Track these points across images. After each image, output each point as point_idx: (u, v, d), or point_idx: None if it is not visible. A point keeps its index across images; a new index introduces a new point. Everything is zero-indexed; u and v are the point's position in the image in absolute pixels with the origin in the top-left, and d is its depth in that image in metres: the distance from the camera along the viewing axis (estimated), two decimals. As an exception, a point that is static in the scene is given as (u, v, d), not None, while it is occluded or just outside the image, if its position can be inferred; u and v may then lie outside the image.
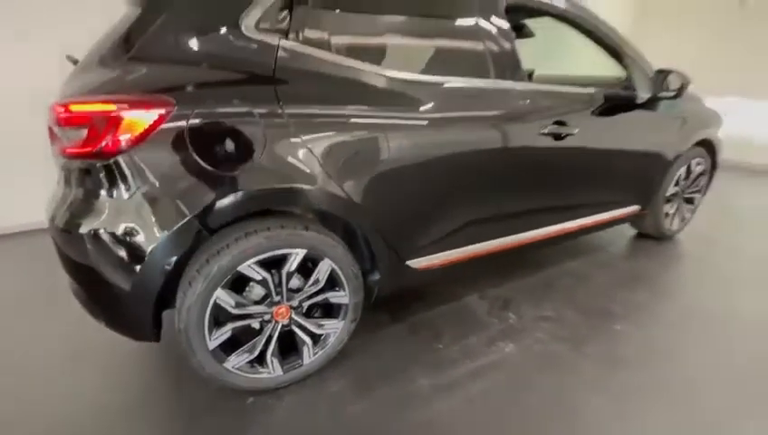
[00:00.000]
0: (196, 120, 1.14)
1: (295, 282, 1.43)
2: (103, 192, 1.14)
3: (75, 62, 1.46)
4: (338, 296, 1.50)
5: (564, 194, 2.10)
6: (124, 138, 1.08)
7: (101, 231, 1.13)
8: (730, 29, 4.85)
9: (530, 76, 2.58)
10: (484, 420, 1.39)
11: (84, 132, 1.09)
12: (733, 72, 4.85)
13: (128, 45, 1.19)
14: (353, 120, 1.38)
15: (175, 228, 1.15)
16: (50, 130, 1.21)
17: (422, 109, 1.50)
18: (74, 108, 1.09)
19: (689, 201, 2.80)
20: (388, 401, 1.46)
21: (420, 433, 1.34)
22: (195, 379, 1.51)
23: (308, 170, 1.30)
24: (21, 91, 2.67)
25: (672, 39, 5.37)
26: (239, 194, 1.20)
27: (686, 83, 2.10)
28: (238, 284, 1.32)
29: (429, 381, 1.55)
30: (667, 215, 2.68)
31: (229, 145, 1.19)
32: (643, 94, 2.15)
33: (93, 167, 1.13)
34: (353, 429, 1.35)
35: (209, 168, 1.16)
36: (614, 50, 2.12)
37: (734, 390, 1.53)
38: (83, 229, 1.15)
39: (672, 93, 2.10)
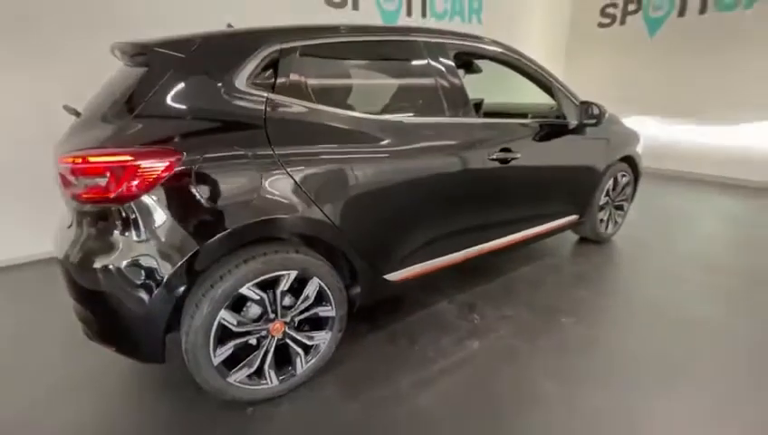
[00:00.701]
0: (202, 165, 1.32)
1: (287, 299, 1.61)
2: (119, 231, 1.29)
3: (76, 112, 1.59)
4: (325, 310, 1.70)
5: (514, 208, 2.44)
6: (139, 184, 1.25)
7: (118, 266, 1.27)
8: (642, 59, 5.63)
9: (479, 105, 2.97)
10: (459, 408, 1.62)
11: (100, 180, 1.25)
12: (646, 94, 5.61)
13: (133, 103, 1.36)
14: (332, 155, 1.61)
15: (184, 260, 1.31)
16: (62, 176, 1.35)
17: (389, 143, 1.76)
18: (93, 159, 1.25)
19: (619, 208, 3.26)
20: (375, 400, 1.66)
21: (407, 425, 1.55)
22: (195, 395, 1.64)
23: (297, 201, 1.51)
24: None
25: (596, 69, 6.14)
26: (241, 226, 1.39)
27: (603, 112, 2.52)
28: (237, 304, 1.49)
29: (410, 380, 1.77)
30: (601, 221, 3.11)
31: (230, 184, 1.38)
32: (572, 121, 2.56)
33: (109, 210, 1.28)
34: (348, 428, 1.54)
35: (213, 205, 1.35)
36: (546, 86, 2.52)
37: (663, 371, 1.86)
38: (100, 265, 1.28)
39: (594, 121, 2.52)
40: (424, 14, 4.70)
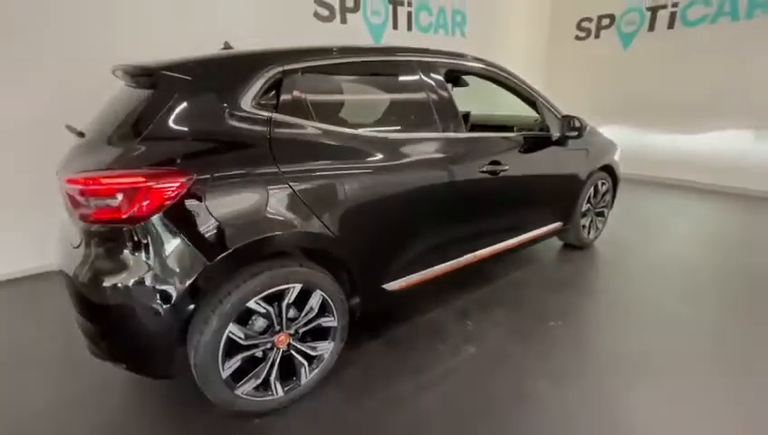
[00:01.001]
0: (211, 184, 1.37)
1: (291, 312, 1.66)
2: (130, 250, 1.32)
3: (79, 132, 1.62)
4: (328, 321, 1.76)
5: (504, 217, 2.55)
6: (151, 205, 1.29)
7: (131, 284, 1.30)
8: (616, 70, 5.92)
9: (466, 117, 3.09)
10: (459, 409, 1.70)
11: (112, 201, 1.28)
12: (620, 103, 5.90)
13: (142, 125, 1.39)
14: (333, 171, 1.68)
15: (195, 277, 1.35)
16: (71, 197, 1.37)
17: (387, 159, 1.84)
18: (105, 180, 1.28)
19: (600, 214, 3.42)
20: (380, 405, 1.72)
21: (411, 428, 1.62)
22: (200, 409, 1.67)
23: (302, 216, 1.57)
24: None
25: (574, 79, 6.41)
26: (250, 242, 1.44)
27: (584, 125, 2.67)
28: (243, 317, 1.54)
29: (411, 385, 1.84)
30: (584, 227, 3.26)
31: (239, 202, 1.43)
32: (555, 133, 2.70)
33: (120, 230, 1.31)
34: (356, 432, 1.59)
35: (223, 222, 1.40)
36: (530, 100, 2.66)
37: (646, 368, 1.99)
38: (113, 283, 1.31)
39: (575, 133, 2.67)
40: (409, 28, 4.84)
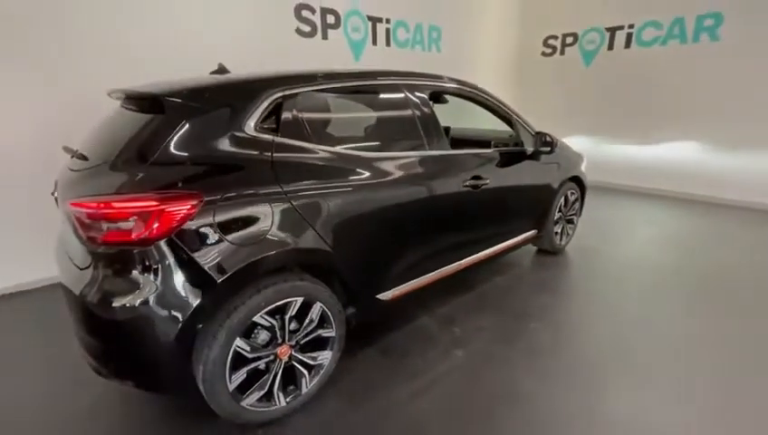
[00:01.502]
0: (220, 205, 1.44)
1: (292, 324, 1.74)
2: (141, 271, 1.36)
3: (81, 155, 1.64)
4: (327, 332, 1.84)
5: (485, 227, 2.72)
6: (163, 227, 1.34)
7: (141, 304, 1.35)
8: (580, 85, 6.34)
9: (447, 132, 3.26)
10: (451, 410, 1.82)
11: (124, 224, 1.33)
12: (584, 116, 6.31)
13: (150, 150, 1.44)
14: (331, 189, 1.77)
15: (206, 295, 1.41)
16: (79, 220, 1.40)
17: (380, 176, 1.96)
18: (117, 204, 1.33)
19: (570, 221, 3.68)
20: (377, 409, 1.82)
21: (407, 428, 1.72)
22: (200, 421, 1.71)
23: (304, 232, 1.66)
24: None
25: (543, 93, 6.80)
26: (257, 259, 1.51)
27: (555, 141, 2.90)
28: (247, 331, 1.60)
29: (405, 389, 1.94)
30: (556, 234, 3.50)
31: (246, 221, 1.50)
32: (529, 148, 2.91)
33: (132, 252, 1.35)
34: (354, 436, 1.68)
35: (232, 241, 1.47)
36: (506, 119, 2.86)
37: (621, 364, 2.18)
38: (122, 303, 1.34)
39: (548, 148, 2.89)
40: (388, 44, 5.01)
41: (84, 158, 1.62)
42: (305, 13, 4.17)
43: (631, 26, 5.61)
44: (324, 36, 4.37)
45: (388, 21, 4.93)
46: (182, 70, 3.25)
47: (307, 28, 4.22)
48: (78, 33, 2.93)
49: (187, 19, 3.41)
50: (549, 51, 6.62)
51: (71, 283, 1.49)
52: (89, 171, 1.54)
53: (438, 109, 2.45)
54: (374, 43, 4.87)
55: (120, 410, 1.85)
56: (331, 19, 4.38)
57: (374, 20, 4.80)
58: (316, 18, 4.26)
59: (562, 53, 6.46)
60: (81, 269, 1.46)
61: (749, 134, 4.92)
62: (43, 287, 3.02)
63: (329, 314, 1.81)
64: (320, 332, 1.82)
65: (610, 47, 5.88)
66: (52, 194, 1.84)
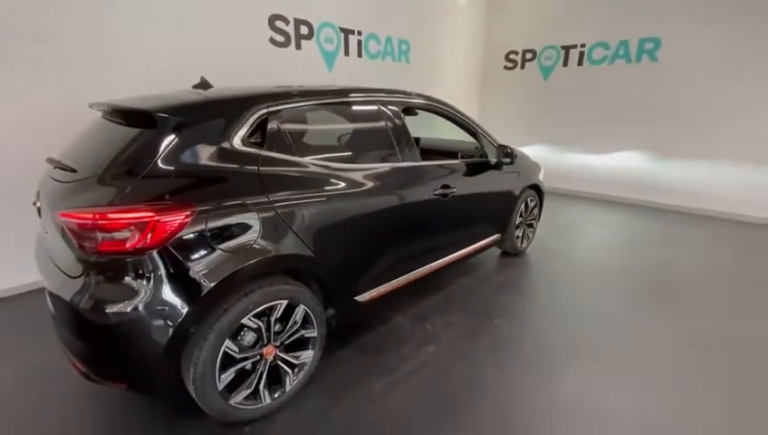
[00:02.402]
0: (211, 215, 1.54)
1: (277, 326, 1.85)
2: (135, 278, 1.43)
3: (61, 165, 1.68)
4: (309, 332, 1.97)
5: (454, 232, 2.93)
6: (158, 237, 1.42)
7: (136, 309, 1.42)
8: (538, 98, 6.80)
9: (417, 142, 3.46)
10: (426, 402, 1.99)
11: (119, 234, 1.40)
12: (542, 127, 6.77)
13: (141, 163, 1.51)
14: (313, 198, 1.91)
15: (197, 300, 1.50)
16: (72, 231, 1.46)
17: (358, 186, 2.12)
18: (114, 215, 1.40)
19: (530, 225, 3.98)
20: (356, 403, 1.96)
21: (386, 422, 1.87)
22: (188, 419, 1.78)
23: (289, 239, 1.78)
24: None
25: (504, 105, 7.22)
26: (247, 265, 1.62)
27: (516, 153, 3.18)
28: (234, 333, 1.70)
29: (382, 384, 2.10)
30: (518, 237, 3.79)
31: (236, 229, 1.61)
32: (492, 159, 3.17)
33: (125, 260, 1.42)
34: (338, 430, 1.81)
35: (223, 248, 1.57)
36: (471, 131, 3.10)
37: (574, 354, 2.45)
38: (115, 310, 1.41)
39: (509, 160, 3.16)
40: (360, 55, 5.19)
41: (72, 169, 1.66)
42: (279, 23, 4.26)
43: (583, 45, 6.11)
44: (298, 47, 4.48)
45: (359, 33, 5.11)
46: (159, 81, 3.28)
47: (281, 38, 4.31)
48: (57, 42, 2.89)
49: (163, 30, 3.42)
50: (510, 65, 7.04)
51: (59, 290, 1.53)
52: (79, 183, 1.58)
53: (410, 120, 2.65)
54: (346, 54, 5.03)
55: (108, 413, 1.88)
56: (304, 30, 4.50)
57: (346, 32, 4.96)
58: (290, 29, 4.37)
59: (523, 67, 6.89)
60: (72, 277, 1.51)
61: (684, 145, 5.50)
62: (19, 295, 2.94)
63: (311, 315, 1.94)
64: (303, 332, 1.94)
65: (565, 64, 6.36)
66: (34, 204, 1.85)
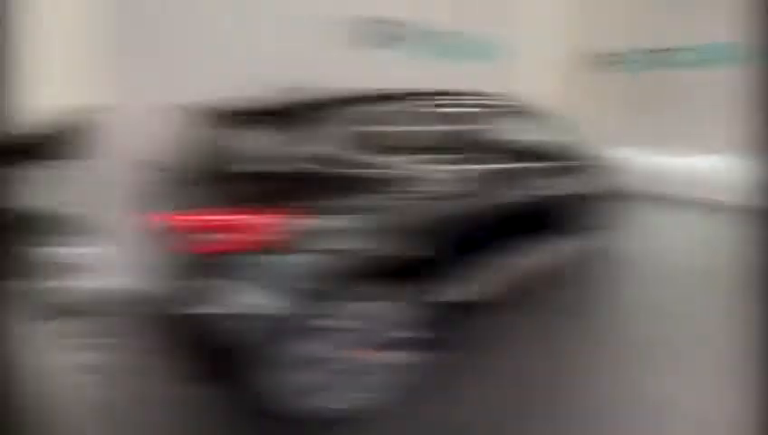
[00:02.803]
0: (304, 217, 1.53)
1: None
2: (235, 278, 1.46)
3: (162, 169, 1.77)
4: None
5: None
6: (254, 238, 1.45)
7: (235, 308, 1.45)
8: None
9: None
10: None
11: (218, 236, 1.44)
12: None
13: (237, 165, 1.56)
14: (400, 199, 1.82)
15: (292, 298, 1.49)
16: (172, 234, 1.53)
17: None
18: (213, 218, 1.45)
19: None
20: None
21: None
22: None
23: (379, 239, 1.71)
24: None
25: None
26: (343, 264, 1.57)
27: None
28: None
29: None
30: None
31: (329, 231, 1.58)
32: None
33: (227, 261, 1.46)
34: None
35: (318, 249, 1.55)
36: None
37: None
38: (215, 308, 1.45)
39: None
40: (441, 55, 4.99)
41: (166, 171, 1.74)
42: (364, 25, 4.23)
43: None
44: (383, 48, 4.42)
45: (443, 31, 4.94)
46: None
47: (367, 40, 4.28)
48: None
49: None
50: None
51: (151, 292, 1.62)
52: (172, 185, 1.66)
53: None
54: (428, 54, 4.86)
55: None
56: (392, 32, 4.43)
57: (431, 33, 4.83)
58: (374, 30, 4.33)
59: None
60: (168, 279, 1.57)
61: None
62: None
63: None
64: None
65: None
66: (119, 206, 1.99)
